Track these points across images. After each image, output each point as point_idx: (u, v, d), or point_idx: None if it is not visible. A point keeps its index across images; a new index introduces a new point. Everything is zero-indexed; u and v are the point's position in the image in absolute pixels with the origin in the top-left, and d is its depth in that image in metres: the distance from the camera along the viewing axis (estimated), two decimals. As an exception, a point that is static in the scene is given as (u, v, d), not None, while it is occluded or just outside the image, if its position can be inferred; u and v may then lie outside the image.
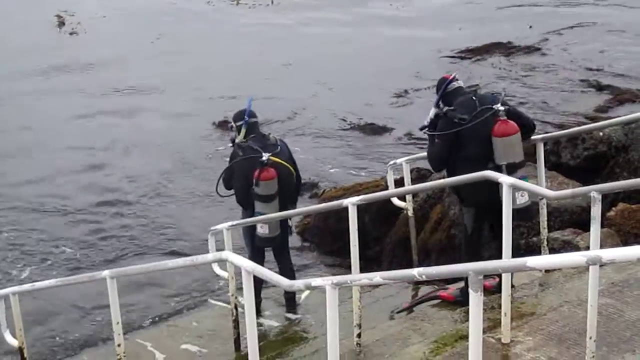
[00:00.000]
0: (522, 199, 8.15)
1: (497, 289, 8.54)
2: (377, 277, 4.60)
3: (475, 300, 4.01)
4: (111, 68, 26.53)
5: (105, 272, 7.22)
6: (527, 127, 8.66)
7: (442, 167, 8.76)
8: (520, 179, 7.81)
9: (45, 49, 29.00)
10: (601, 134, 11.74)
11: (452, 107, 8.41)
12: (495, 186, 7.86)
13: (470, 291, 4.02)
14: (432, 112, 8.59)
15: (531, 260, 3.89)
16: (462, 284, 8.87)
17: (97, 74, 26.15)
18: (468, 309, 4.17)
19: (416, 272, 4.36)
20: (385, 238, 12.11)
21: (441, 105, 8.53)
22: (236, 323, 9.19)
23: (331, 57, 26.31)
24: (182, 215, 15.86)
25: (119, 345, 7.12)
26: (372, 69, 24.68)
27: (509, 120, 8.25)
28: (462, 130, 8.27)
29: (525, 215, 8.38)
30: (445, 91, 8.58)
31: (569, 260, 3.93)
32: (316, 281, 5.06)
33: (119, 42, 29.90)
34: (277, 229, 10.06)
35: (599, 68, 23.06)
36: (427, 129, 8.65)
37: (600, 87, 21.58)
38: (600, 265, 6.78)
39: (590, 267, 5.79)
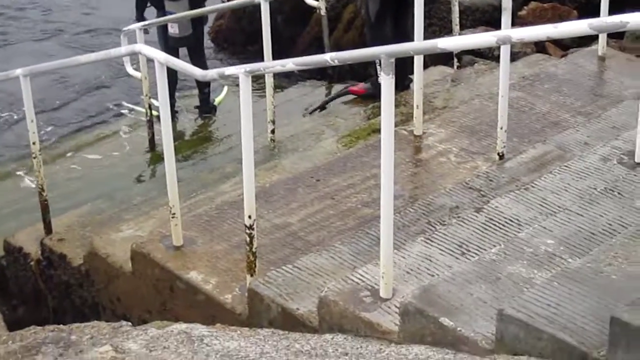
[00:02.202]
0: None
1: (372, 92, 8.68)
2: (289, 63, 4.59)
3: (387, 82, 4.01)
4: None
5: (19, 71, 7.07)
6: None
7: None
8: None
9: None
10: None
11: None
12: None
13: (382, 74, 4.02)
14: None
15: (442, 42, 3.89)
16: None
17: None
18: (380, 104, 4.17)
19: (328, 57, 4.35)
20: (298, 38, 12.07)
21: None
22: (150, 123, 9.16)
23: None
24: (96, 15, 15.66)
25: (33, 143, 7.05)
26: None
27: None
28: None
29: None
30: None
31: (479, 41, 3.95)
32: (229, 69, 5.03)
33: None
34: (188, 29, 9.99)
35: None
36: None
37: None
38: (512, 61, 6.86)
39: (502, 55, 5.83)
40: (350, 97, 9.17)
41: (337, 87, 10.01)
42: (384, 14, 8.47)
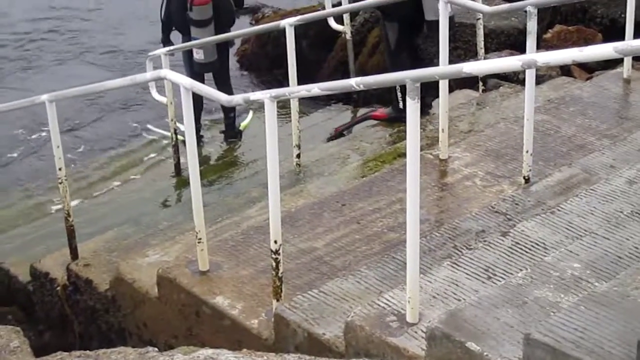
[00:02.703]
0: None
1: (394, 116, 8.85)
2: (315, 88, 4.59)
3: (413, 107, 4.02)
4: None
5: (44, 96, 7.11)
6: None
7: None
8: None
9: None
10: (539, -44, 11.65)
11: None
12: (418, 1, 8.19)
13: (408, 99, 4.02)
14: None
15: (467, 66, 3.89)
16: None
17: None
18: (405, 128, 4.18)
19: (354, 81, 4.36)
20: (323, 63, 12.10)
21: None
22: (176, 148, 9.19)
23: None
24: (121, 38, 15.76)
25: (60, 169, 7.08)
26: None
27: None
28: None
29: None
30: None
31: (504, 65, 3.95)
32: (255, 95, 5.05)
33: None
34: (213, 55, 10.03)
35: None
36: None
37: None
38: (537, 84, 6.85)
39: (527, 79, 5.83)
40: (374, 121, 9.24)
41: (363, 112, 10.02)
42: (403, 42, 8.68)
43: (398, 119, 8.62)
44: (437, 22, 7.70)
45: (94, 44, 15.86)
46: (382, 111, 9.22)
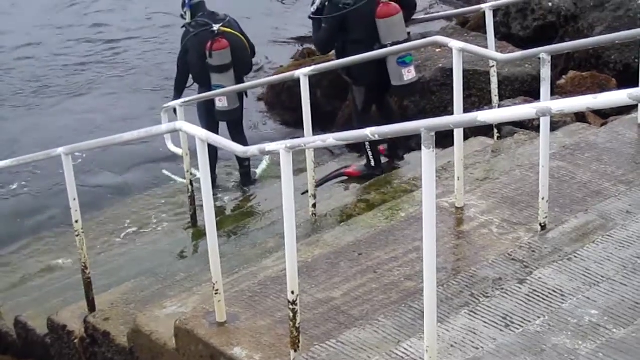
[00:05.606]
0: (409, 75, 8.92)
1: (366, 173, 9.48)
2: (330, 138, 4.61)
3: (428, 156, 4.03)
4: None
5: (60, 149, 7.16)
6: (408, 7, 9.28)
7: (329, 50, 9.64)
8: (405, 57, 8.78)
9: None
10: (550, 4, 11.75)
11: None
12: (383, 67, 8.83)
13: (423, 147, 4.03)
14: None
15: (482, 115, 3.90)
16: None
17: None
18: (420, 176, 4.18)
19: (369, 131, 4.38)
20: (338, 112, 12.14)
21: None
22: (192, 199, 9.22)
23: None
24: (136, 93, 15.88)
25: (76, 221, 7.11)
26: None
27: (390, 2, 8.82)
28: (347, 14, 8.87)
29: (410, 90, 9.32)
30: None
31: (519, 113, 3.95)
32: (270, 146, 5.07)
33: None
34: (236, 102, 10.19)
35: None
36: (313, 14, 9.18)
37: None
38: (552, 130, 6.86)
39: (542, 126, 5.84)
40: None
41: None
42: (369, 103, 9.47)
43: (370, 175, 9.30)
44: (403, 87, 8.90)
45: (119, 84, 15.97)
46: (354, 168, 9.82)
